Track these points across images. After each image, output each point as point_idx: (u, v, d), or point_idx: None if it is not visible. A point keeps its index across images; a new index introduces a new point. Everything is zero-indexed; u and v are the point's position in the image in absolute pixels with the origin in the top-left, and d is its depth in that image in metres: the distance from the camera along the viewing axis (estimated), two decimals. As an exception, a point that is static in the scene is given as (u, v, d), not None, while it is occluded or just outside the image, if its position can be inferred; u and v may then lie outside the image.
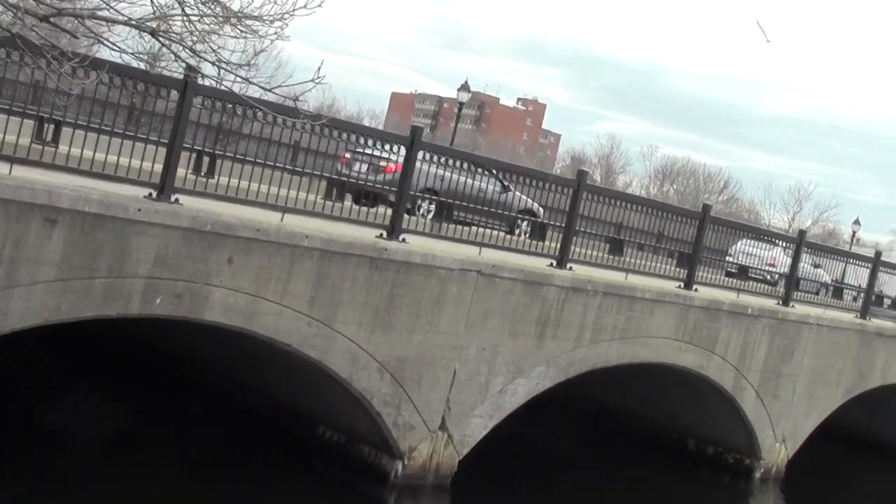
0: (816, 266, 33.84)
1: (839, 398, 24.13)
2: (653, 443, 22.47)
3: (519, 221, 22.28)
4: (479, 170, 18.19)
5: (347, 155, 19.96)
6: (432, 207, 19.64)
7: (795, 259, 23.17)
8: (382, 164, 19.84)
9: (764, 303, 21.98)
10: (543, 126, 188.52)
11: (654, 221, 20.86)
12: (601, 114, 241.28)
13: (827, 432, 24.17)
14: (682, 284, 20.11)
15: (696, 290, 20.06)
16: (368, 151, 17.10)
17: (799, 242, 23.63)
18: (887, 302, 30.71)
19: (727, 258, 29.72)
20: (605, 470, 21.37)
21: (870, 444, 28.06)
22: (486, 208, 18.38)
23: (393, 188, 16.20)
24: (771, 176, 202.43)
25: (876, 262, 26.28)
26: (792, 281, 22.99)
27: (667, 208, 23.04)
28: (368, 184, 16.64)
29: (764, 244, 24.76)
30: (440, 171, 17.23)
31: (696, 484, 22.12)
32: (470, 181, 18.03)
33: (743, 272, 27.01)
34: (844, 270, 34.50)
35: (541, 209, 22.12)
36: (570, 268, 17.59)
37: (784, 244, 32.54)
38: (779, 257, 34.03)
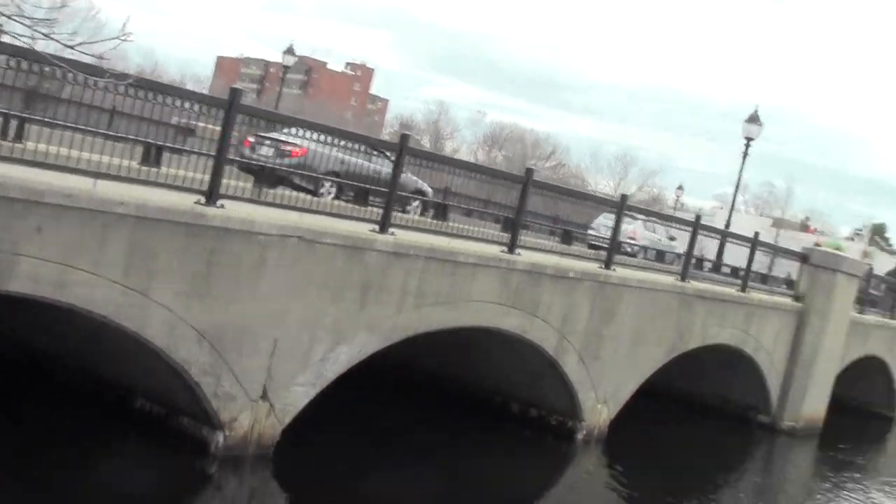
0: (672, 238, 34.92)
1: (660, 359, 24.62)
2: (477, 407, 22.63)
3: (411, 201, 23.10)
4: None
5: (252, 139, 19.95)
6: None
7: (617, 222, 23.40)
8: (288, 148, 19.96)
9: (587, 266, 22.20)
10: (372, 91, 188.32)
11: (480, 186, 20.94)
12: (430, 79, 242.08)
13: (649, 393, 24.68)
14: (506, 249, 20.14)
15: (519, 254, 20.12)
16: (274, 136, 17.17)
17: (620, 206, 23.90)
18: (708, 265, 31.51)
19: (589, 231, 30.38)
20: (428, 436, 21.33)
21: (690, 404, 28.88)
22: (383, 189, 18.88)
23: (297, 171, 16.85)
24: (597, 142, 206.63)
25: (696, 227, 26.80)
26: (613, 244, 23.23)
27: (490, 172, 23.15)
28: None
29: (625, 218, 25.00)
30: (341, 155, 18.38)
31: (518, 447, 22.32)
32: (368, 164, 18.56)
33: (567, 237, 27.39)
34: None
35: (429, 188, 22.47)
36: (393, 233, 17.43)
37: (644, 218, 33.63)
38: (639, 230, 35.06)
